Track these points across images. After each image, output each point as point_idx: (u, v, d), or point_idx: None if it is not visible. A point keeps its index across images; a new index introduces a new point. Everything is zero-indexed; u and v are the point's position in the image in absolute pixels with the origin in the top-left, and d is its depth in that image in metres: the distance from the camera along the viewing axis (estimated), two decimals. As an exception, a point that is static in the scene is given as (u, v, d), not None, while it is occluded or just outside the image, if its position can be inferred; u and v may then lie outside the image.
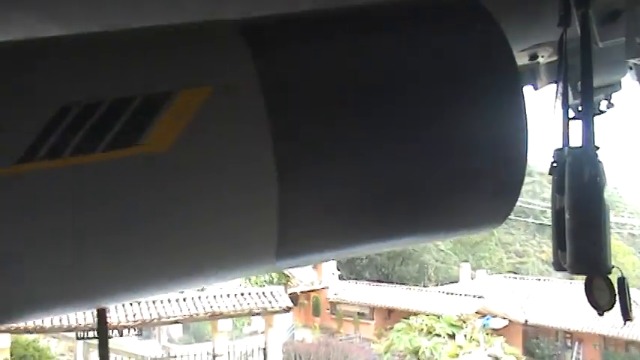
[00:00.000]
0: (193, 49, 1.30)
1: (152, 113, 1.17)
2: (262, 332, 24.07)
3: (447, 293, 29.25)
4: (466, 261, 38.43)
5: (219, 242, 1.28)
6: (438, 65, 1.38)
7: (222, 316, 20.50)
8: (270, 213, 1.24)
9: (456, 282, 34.42)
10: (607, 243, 1.65)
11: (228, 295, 20.75)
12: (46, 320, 17.72)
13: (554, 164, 1.73)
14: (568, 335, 28.22)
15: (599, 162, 1.65)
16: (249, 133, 1.23)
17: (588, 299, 1.69)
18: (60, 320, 18.20)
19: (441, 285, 34.58)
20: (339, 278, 33.77)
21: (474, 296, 27.73)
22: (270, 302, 21.12)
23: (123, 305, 18.91)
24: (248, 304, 20.81)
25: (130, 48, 1.29)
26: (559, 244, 1.69)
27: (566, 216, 1.65)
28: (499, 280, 33.31)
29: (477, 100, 1.37)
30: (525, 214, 44.73)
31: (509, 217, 1.56)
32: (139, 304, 19.41)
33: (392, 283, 34.47)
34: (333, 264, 31.85)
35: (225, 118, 1.23)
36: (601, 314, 1.70)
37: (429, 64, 1.39)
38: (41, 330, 18.77)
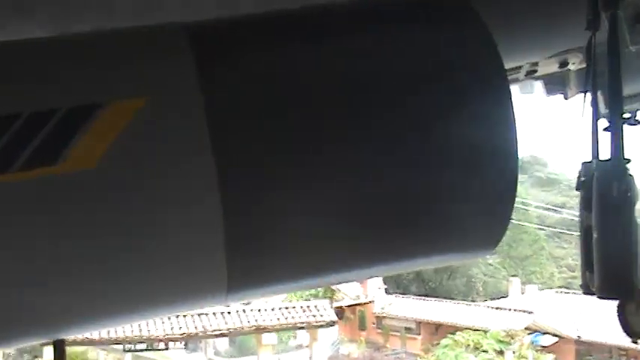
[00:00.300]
0: (131, 56, 1.17)
1: (76, 127, 1.06)
2: (307, 346, 23.98)
3: (496, 308, 28.68)
4: (515, 275, 37.64)
5: (159, 273, 1.14)
6: (416, 72, 1.23)
7: (266, 329, 20.49)
8: (216, 239, 1.10)
9: (505, 297, 33.76)
10: (639, 264, 1.51)
11: (272, 309, 20.73)
12: (95, 332, 17.96)
13: (582, 179, 1.60)
14: (623, 352, 27.32)
15: (630, 176, 1.51)
16: (188, 148, 1.09)
17: (621, 325, 1.55)
18: (108, 332, 18.43)
19: (490, 300, 33.96)
20: (386, 292, 33.46)
21: (524, 311, 27.11)
22: (314, 316, 21.01)
23: (169, 318, 19.09)
24: (292, 317, 20.75)
25: (58, 56, 1.17)
26: (587, 265, 1.56)
27: (594, 235, 1.52)
28: (550, 295, 32.55)
29: (461, 111, 1.22)
30: (577, 227, 43.54)
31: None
32: (184, 316, 19.55)
33: (439, 297, 34.00)
34: (379, 278, 31.56)
35: (161, 131, 1.09)
36: (635, 342, 1.56)
37: (405, 70, 1.23)
38: (89, 342, 19.03)
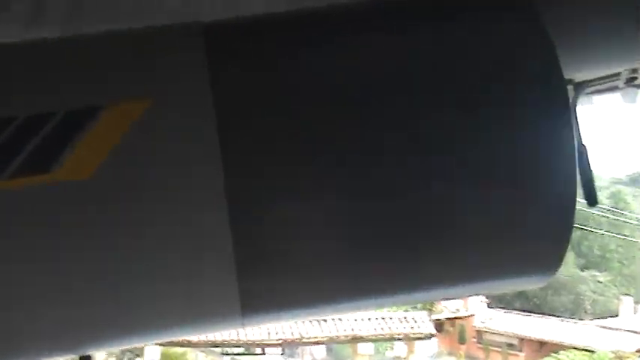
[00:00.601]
0: (138, 56, 1.08)
1: (74, 131, 0.98)
2: (404, 358, 23.69)
3: (605, 328, 27.36)
4: (628, 294, 35.80)
5: (164, 294, 1.05)
6: (454, 77, 1.05)
7: (362, 339, 20.41)
8: (225, 258, 0.99)
9: (616, 316, 32.19)
10: None
11: (369, 319, 20.59)
12: (194, 335, 18.42)
13: None
14: None
15: None
16: (195, 156, 0.99)
17: None
18: (206, 336, 18.86)
19: (599, 319, 32.46)
20: (487, 306, 32.64)
21: (635, 332, 25.72)
22: (412, 328, 20.73)
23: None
24: (389, 328, 20.55)
25: (60, 57, 1.09)
26: None
27: None
28: (666, 316, 30.82)
29: (510, 121, 1.04)
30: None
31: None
32: (282, 323, 19.73)
33: (544, 314, 32.81)
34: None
35: (166, 137, 1.00)
36: None
37: (442, 75, 1.06)
38: (189, 344, 19.51)
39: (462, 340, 31.72)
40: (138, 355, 20.30)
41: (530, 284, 1.18)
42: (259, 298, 1.06)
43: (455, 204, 1.04)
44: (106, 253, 1.00)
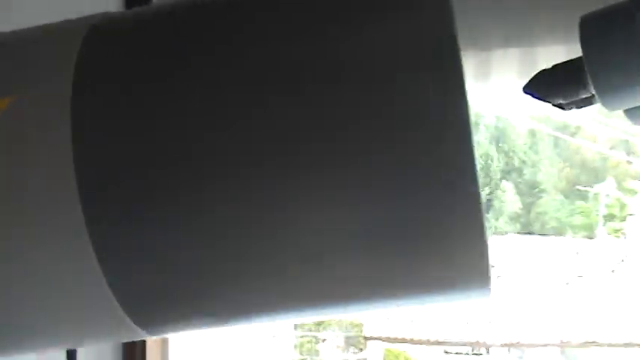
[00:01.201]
0: (23, 53, 1.02)
1: None
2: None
3: None
4: None
5: (38, 306, 0.98)
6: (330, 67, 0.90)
7: (597, 344, 19.21)
8: (90, 266, 0.91)
9: None
10: None
11: (604, 322, 19.29)
12: (417, 333, 18.66)
13: None
14: None
15: None
16: (50, 161, 0.91)
17: None
18: (429, 333, 18.91)
19: None
20: None
21: None
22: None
23: (490, 322, 18.96)
24: (630, 333, 19.07)
25: None
26: None
27: None
28: None
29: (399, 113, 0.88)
30: None
31: None
32: (509, 324, 19.23)
33: None
34: None
35: (21, 140, 0.92)
36: None
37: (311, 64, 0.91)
38: (411, 341, 19.71)
39: None
40: (361, 349, 21.00)
41: (468, 296, 1.01)
42: (143, 300, 0.96)
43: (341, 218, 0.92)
44: None
